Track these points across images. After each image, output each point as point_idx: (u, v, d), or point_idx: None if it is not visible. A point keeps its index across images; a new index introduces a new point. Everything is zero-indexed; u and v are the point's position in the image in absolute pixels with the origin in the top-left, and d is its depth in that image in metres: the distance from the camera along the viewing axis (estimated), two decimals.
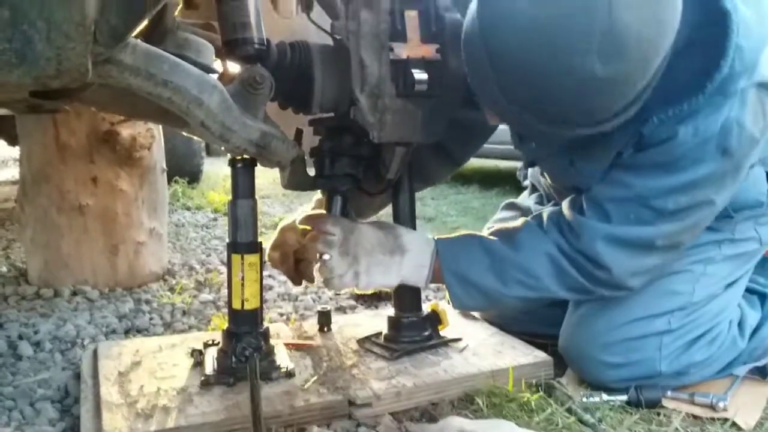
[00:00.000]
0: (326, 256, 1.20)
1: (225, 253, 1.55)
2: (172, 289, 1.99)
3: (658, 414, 1.11)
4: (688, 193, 1.09)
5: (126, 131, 1.96)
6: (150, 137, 2.02)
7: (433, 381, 1.17)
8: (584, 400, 1.15)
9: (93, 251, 1.98)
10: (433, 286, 1.93)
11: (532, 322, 1.43)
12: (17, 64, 0.74)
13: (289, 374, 1.19)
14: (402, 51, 1.10)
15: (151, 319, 1.71)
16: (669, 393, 1.16)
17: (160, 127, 2.12)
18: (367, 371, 1.21)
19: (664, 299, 1.21)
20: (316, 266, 1.26)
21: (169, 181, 3.98)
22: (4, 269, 2.24)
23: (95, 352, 1.33)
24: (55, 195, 1.95)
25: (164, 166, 2.19)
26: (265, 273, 2.13)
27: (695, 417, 1.11)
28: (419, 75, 1.10)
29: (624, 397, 1.14)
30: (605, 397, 1.15)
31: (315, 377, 1.19)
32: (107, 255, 2.00)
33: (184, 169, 4.13)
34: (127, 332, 1.62)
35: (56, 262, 1.97)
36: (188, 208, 3.59)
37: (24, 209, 2.00)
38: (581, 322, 1.25)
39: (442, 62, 1.13)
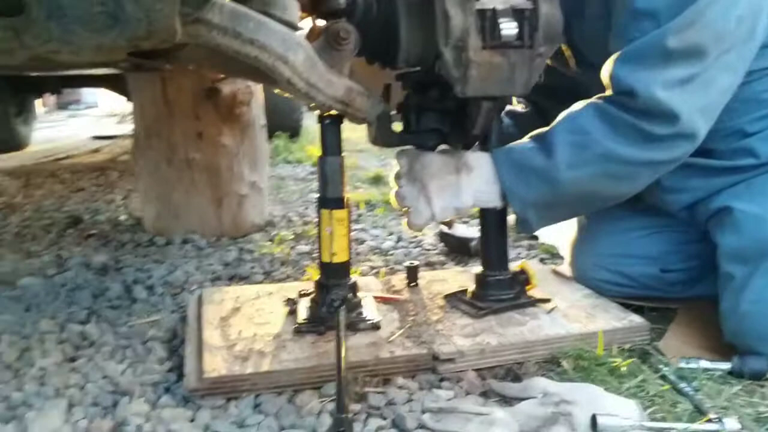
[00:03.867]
0: (398, 187, 1.22)
1: None
2: (272, 240, 2.08)
3: (762, 386, 1.03)
4: None
5: (227, 88, 2.04)
6: (249, 94, 2.09)
7: (518, 341, 1.15)
8: (682, 366, 1.09)
9: (200, 203, 2.11)
10: (525, 243, 1.90)
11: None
12: (111, 26, 0.78)
13: (376, 326, 1.22)
14: (489, 0, 1.05)
15: (252, 267, 1.80)
16: None
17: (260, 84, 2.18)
18: (452, 327, 1.21)
19: None
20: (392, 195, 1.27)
21: (271, 135, 4.13)
22: (123, 217, 2.44)
23: (200, 298, 1.42)
24: (165, 149, 2.07)
25: (264, 121, 2.26)
26: (358, 227, 2.19)
27: None
28: (507, 25, 1.05)
29: (726, 366, 1.07)
30: (705, 364, 1.08)
31: (401, 330, 1.21)
32: (213, 206, 2.12)
33: (285, 124, 4.26)
34: (230, 279, 1.71)
35: (167, 212, 2.11)
36: (289, 162, 3.71)
37: (138, 162, 2.15)
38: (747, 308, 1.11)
39: (533, 10, 1.08)
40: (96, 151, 4.75)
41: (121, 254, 1.93)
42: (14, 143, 4.76)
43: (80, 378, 1.12)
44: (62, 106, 10.91)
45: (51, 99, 9.89)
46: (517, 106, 1.69)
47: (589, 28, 1.26)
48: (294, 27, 1.05)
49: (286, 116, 4.33)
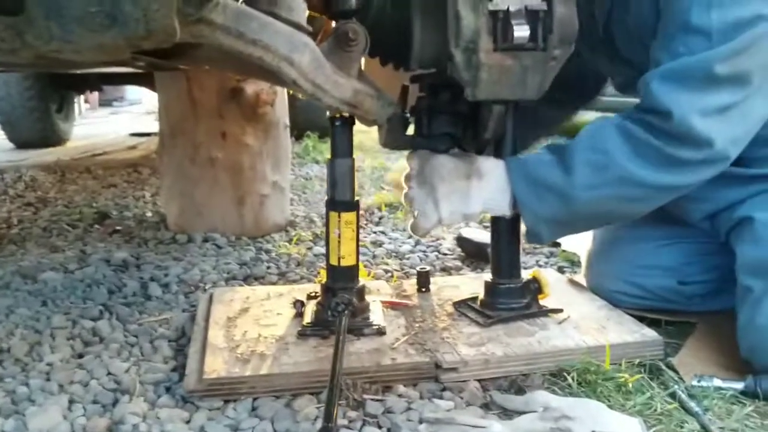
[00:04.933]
0: (407, 189, 1.20)
1: None
2: (290, 240, 2.08)
3: None
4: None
5: (250, 88, 2.05)
6: (273, 94, 2.10)
7: (525, 352, 1.12)
8: (694, 383, 1.04)
9: (222, 201, 2.12)
10: (545, 250, 1.85)
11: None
12: (109, 26, 0.79)
13: (381, 332, 1.20)
14: (501, 0, 1.03)
15: (268, 268, 1.80)
16: None
17: None
18: (458, 335, 1.19)
19: None
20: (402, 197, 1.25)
21: (301, 135, 4.16)
22: (149, 214, 2.47)
23: (211, 297, 1.43)
24: (189, 148, 2.10)
25: (287, 122, 2.26)
26: (378, 229, 2.18)
27: None
28: (519, 27, 1.03)
29: (740, 386, 1.02)
30: (718, 382, 1.04)
31: (405, 337, 1.19)
32: (235, 205, 2.13)
33: (315, 124, 4.27)
34: (245, 279, 1.72)
35: (190, 210, 2.13)
36: (317, 162, 3.72)
37: (163, 159, 2.18)
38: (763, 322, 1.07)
39: (548, 11, 1.05)
40: (132, 147, 4.85)
41: (143, 251, 1.96)
42: (54, 139, 4.90)
43: (85, 375, 1.13)
44: (105, 103, 11.19)
45: (94, 96, 10.14)
46: None
47: (633, 24, 1.21)
48: (301, 28, 1.04)
49: (317, 116, 4.33)
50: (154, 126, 6.25)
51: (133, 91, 11.24)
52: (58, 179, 3.38)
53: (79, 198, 2.86)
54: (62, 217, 2.45)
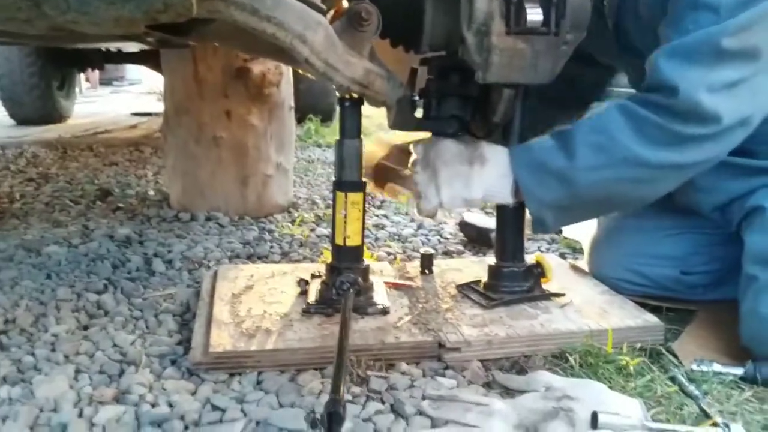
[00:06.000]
0: (411, 173, 1.21)
1: None
2: (293, 221, 2.09)
3: None
4: None
5: (257, 68, 2.04)
6: (278, 74, 2.09)
7: (527, 334, 1.13)
8: (693, 368, 1.06)
9: (226, 181, 2.12)
10: (547, 237, 1.87)
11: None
12: None
13: (384, 311, 1.21)
14: None
15: (271, 247, 1.81)
16: None
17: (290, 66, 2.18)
18: (461, 316, 1.20)
19: None
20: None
21: (304, 119, 4.15)
22: (152, 193, 2.48)
23: (215, 274, 1.44)
24: (194, 127, 2.09)
25: (292, 103, 2.26)
26: (380, 212, 2.19)
27: None
28: (533, 11, 1.03)
29: (740, 371, 1.04)
30: (718, 367, 1.05)
31: (409, 317, 1.20)
32: (238, 185, 2.13)
33: (318, 108, 4.26)
34: (248, 258, 1.73)
35: (193, 189, 2.14)
36: (319, 146, 3.72)
37: (167, 139, 2.18)
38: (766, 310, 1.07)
39: None
40: (133, 127, 4.84)
41: (146, 228, 1.96)
42: (56, 116, 4.88)
43: (90, 346, 1.14)
44: (106, 82, 11.13)
45: (95, 74, 10.10)
46: None
47: (644, 12, 1.21)
48: (314, 6, 1.03)
49: (320, 100, 4.33)
50: (155, 106, 6.25)
51: (133, 70, 11.19)
52: (60, 156, 3.38)
53: (81, 175, 2.86)
54: (64, 193, 2.45)
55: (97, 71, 8.40)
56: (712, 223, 1.29)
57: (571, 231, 1.83)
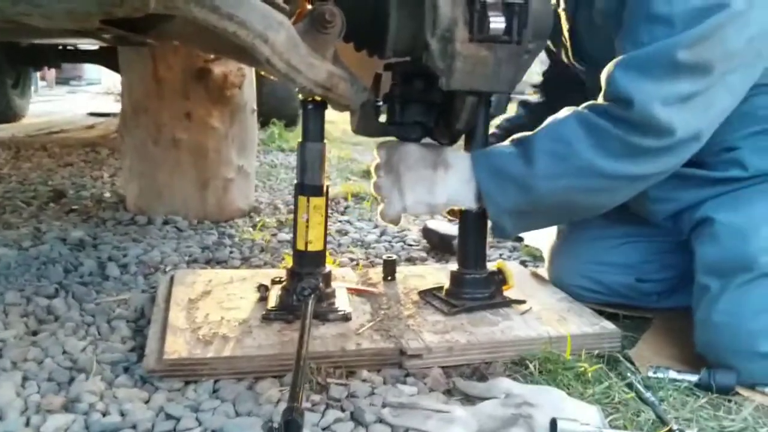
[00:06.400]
0: (375, 177, 1.21)
1: None
2: (254, 226, 2.06)
3: (729, 401, 1.02)
4: None
5: (218, 69, 2.01)
6: (241, 76, 2.06)
7: (488, 340, 1.13)
8: (650, 375, 1.07)
9: (185, 184, 2.08)
10: (509, 245, 1.88)
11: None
12: None
13: (346, 318, 1.20)
14: None
15: (231, 252, 1.78)
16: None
17: (253, 68, 2.15)
18: (423, 323, 1.19)
19: None
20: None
21: (267, 123, 4.11)
22: (108, 195, 2.41)
23: (172, 279, 1.40)
24: (152, 127, 2.04)
25: (254, 106, 2.23)
26: (343, 218, 2.17)
27: None
28: (496, 19, 1.03)
29: (695, 378, 1.06)
30: (673, 374, 1.07)
31: (371, 323, 1.19)
32: (198, 188, 2.09)
33: (282, 112, 4.22)
34: (207, 263, 1.69)
35: (151, 191, 2.08)
36: (282, 150, 3.69)
37: (124, 139, 2.12)
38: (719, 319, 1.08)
39: (524, 5, 1.06)
40: (90, 127, 4.71)
41: (100, 231, 1.90)
42: (9, 115, 4.73)
43: (39, 352, 1.10)
44: (63, 82, 10.86)
45: (51, 73, 9.84)
46: (531, 96, 1.67)
47: (598, 21, 1.23)
48: (277, 6, 1.02)
49: (284, 104, 4.29)
50: (113, 106, 6.11)
51: (91, 70, 10.95)
52: (12, 156, 3.27)
53: (34, 175, 2.77)
54: (16, 194, 2.37)
55: (53, 70, 8.17)
56: (664, 231, 1.32)
57: (531, 239, 1.84)
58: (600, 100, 1.11)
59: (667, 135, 1.05)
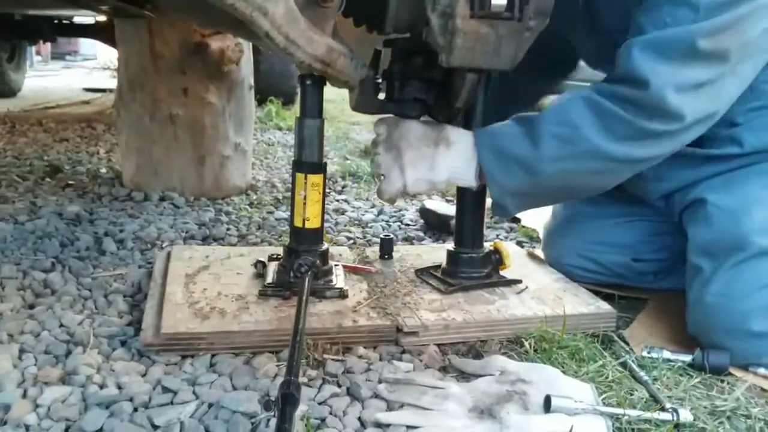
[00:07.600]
0: (375, 154, 1.20)
1: None
2: (251, 204, 2.05)
3: (722, 381, 1.03)
4: None
5: (215, 44, 1.99)
6: (238, 52, 2.04)
7: (484, 319, 1.14)
8: (644, 355, 1.08)
9: (181, 160, 2.07)
10: (506, 225, 1.88)
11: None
12: None
13: (343, 295, 1.20)
14: None
15: (228, 229, 1.78)
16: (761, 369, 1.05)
17: (250, 44, 2.13)
18: (419, 301, 1.20)
19: None
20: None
21: (264, 100, 4.08)
22: (104, 170, 2.40)
23: (169, 254, 1.40)
24: (149, 103, 2.03)
25: (252, 83, 2.21)
26: (341, 197, 2.17)
27: (763, 390, 1.02)
28: None
29: (688, 358, 1.07)
30: (667, 354, 1.08)
31: (367, 301, 1.19)
32: (194, 165, 2.08)
33: (280, 90, 4.20)
34: (204, 239, 1.69)
35: (147, 167, 2.08)
36: (280, 128, 3.67)
37: (120, 114, 2.10)
38: (711, 299, 1.09)
39: None
40: (86, 102, 4.68)
41: (97, 206, 1.90)
42: (4, 89, 4.69)
43: (36, 325, 1.10)
44: (58, 56, 10.76)
45: (46, 47, 9.74)
46: None
47: None
48: None
49: (282, 82, 4.27)
50: (109, 82, 6.05)
51: (87, 45, 10.84)
52: (8, 130, 3.25)
53: (29, 150, 2.75)
54: (12, 169, 2.36)
55: (48, 44, 8.09)
56: (659, 211, 1.32)
57: (528, 220, 1.85)
58: (612, 74, 1.09)
59: (675, 120, 1.04)
